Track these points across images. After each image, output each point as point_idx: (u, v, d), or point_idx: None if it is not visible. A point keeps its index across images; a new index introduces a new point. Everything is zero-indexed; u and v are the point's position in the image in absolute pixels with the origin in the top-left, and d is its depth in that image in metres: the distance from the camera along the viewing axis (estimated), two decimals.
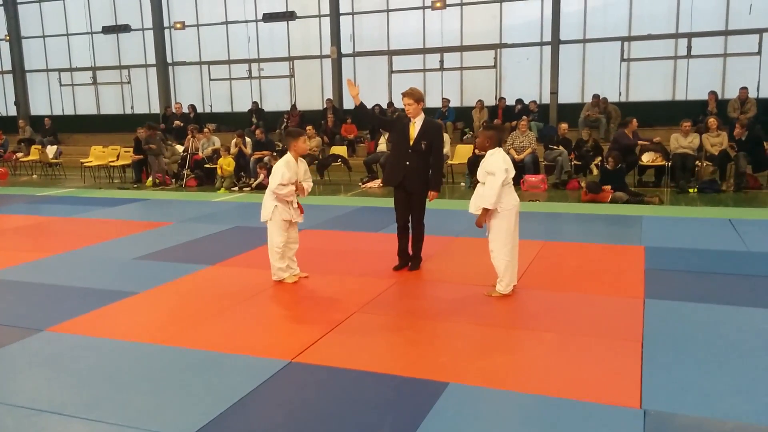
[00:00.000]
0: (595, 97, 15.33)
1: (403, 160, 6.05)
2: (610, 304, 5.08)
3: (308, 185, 5.97)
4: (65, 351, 4.38)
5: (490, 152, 5.28)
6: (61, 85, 22.23)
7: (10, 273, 6.43)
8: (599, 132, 14.51)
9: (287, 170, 5.74)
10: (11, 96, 22.83)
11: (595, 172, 12.01)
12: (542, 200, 10.61)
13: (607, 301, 5.17)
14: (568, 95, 16.76)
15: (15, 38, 22.23)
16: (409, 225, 6.24)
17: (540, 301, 5.21)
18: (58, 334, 4.67)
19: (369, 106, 17.15)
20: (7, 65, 22.66)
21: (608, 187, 10.32)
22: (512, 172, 5.29)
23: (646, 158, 11.89)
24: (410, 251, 6.30)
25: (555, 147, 12.47)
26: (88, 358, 4.24)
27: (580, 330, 4.53)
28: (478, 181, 5.44)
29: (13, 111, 22.64)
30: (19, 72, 22.51)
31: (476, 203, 5.30)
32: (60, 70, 22.12)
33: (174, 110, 18.62)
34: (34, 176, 16.38)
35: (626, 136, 11.80)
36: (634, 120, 12.09)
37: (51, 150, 16.89)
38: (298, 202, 5.93)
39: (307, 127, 14.49)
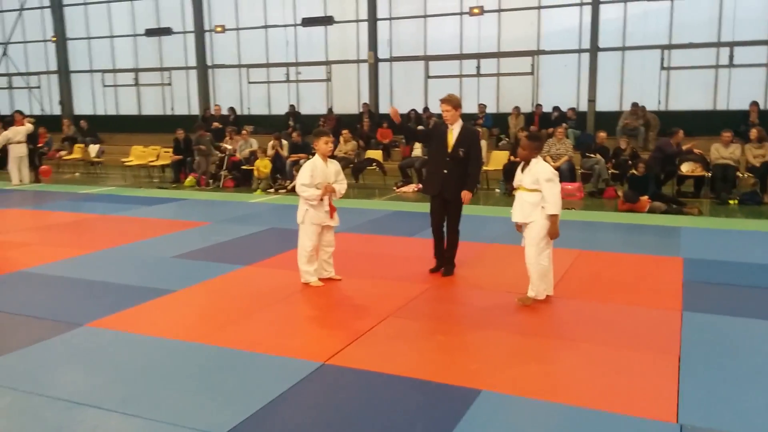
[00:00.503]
0: (634, 105, 15.12)
1: (441, 168, 6.09)
2: (646, 316, 5.00)
3: (341, 187, 5.97)
4: (104, 346, 4.49)
5: (535, 161, 5.24)
6: (104, 85, 22.78)
7: (52, 268, 6.61)
8: (638, 141, 14.30)
9: (313, 171, 5.76)
10: (56, 95, 23.47)
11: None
12: (578, 208, 10.49)
13: (644, 312, 5.09)
14: (606, 103, 16.56)
15: (61, 40, 22.87)
16: (444, 231, 6.27)
17: (575, 311, 5.16)
18: (97, 329, 4.79)
19: (404, 111, 17.25)
20: (53, 66, 23.31)
21: (646, 197, 10.17)
22: None
23: (686, 168, 11.68)
24: (444, 254, 6.34)
25: (592, 155, 12.34)
26: (126, 354, 4.35)
27: (616, 341, 4.48)
28: (512, 187, 5.40)
29: (57, 110, 23.27)
30: (64, 72, 23.15)
31: (524, 212, 5.20)
32: (103, 71, 22.68)
33: (213, 112, 18.92)
34: (77, 174, 16.79)
35: (671, 145, 11.61)
36: (681, 131, 11.87)
37: (93, 149, 17.31)
38: (330, 204, 5.91)
39: (343, 131, 14.60)
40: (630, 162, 12.16)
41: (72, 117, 21.92)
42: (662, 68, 16.05)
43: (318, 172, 5.79)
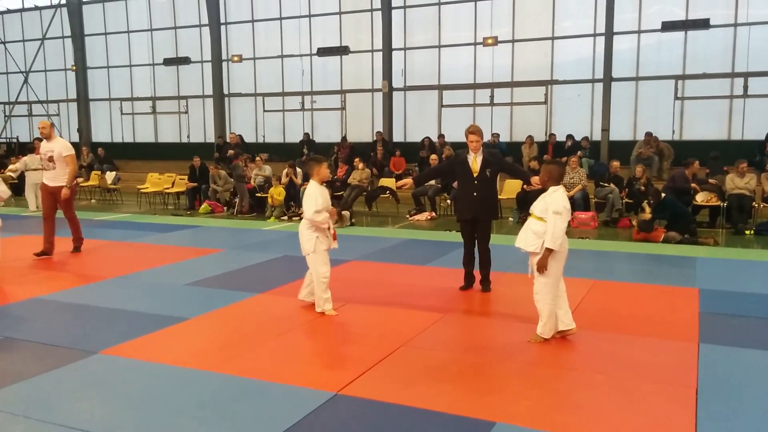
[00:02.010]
0: (648, 134, 15.11)
1: (470, 192, 6.47)
2: (662, 348, 4.94)
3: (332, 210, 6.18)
4: (118, 374, 4.50)
5: (552, 189, 5.04)
6: (122, 113, 23.18)
7: (67, 295, 6.66)
8: (651, 170, 14.26)
9: (320, 196, 5.83)
10: (75, 123, 23.86)
11: (648, 210, 11.77)
12: (592, 238, 10.44)
13: (660, 344, 5.03)
14: (619, 132, 16.59)
15: (81, 69, 23.33)
16: (475, 250, 6.66)
17: (590, 342, 5.11)
18: (111, 357, 4.80)
19: (419, 139, 17.38)
20: (73, 94, 23.76)
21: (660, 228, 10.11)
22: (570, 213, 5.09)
23: (701, 198, 11.61)
24: (477, 275, 6.69)
25: (606, 184, 12.31)
26: (140, 382, 4.35)
27: (631, 373, 4.42)
28: (527, 216, 5.32)
29: (76, 138, 23.62)
30: (83, 101, 23.57)
31: (527, 240, 5.07)
32: (122, 100, 23.08)
33: (228, 140, 19.11)
34: (93, 201, 16.98)
35: (685, 178, 11.55)
36: (697, 162, 11.84)
37: (110, 176, 17.53)
38: (333, 229, 6.03)
39: (356, 159, 14.69)
40: (644, 190, 12.11)
41: (90, 144, 22.26)
42: (676, 98, 16.08)
43: (324, 198, 5.91)
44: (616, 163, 12.87)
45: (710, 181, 11.83)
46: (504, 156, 16.05)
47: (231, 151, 17.83)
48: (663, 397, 4.02)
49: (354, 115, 19.72)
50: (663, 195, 10.65)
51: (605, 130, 16.60)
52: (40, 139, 16.38)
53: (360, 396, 4.05)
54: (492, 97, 17.93)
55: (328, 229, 5.89)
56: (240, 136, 19.40)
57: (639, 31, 16.25)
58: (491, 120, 17.84)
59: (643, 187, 11.97)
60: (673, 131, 16.16)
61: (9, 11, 24.57)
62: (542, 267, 4.94)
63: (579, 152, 14.69)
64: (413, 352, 4.89)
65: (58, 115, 24.31)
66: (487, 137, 16.71)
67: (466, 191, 6.58)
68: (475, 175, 6.43)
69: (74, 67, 23.39)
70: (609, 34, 16.30)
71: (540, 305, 5.07)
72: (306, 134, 19.22)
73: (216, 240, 10.27)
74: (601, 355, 4.82)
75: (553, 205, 4.91)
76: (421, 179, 7.32)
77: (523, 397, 4.04)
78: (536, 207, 5.10)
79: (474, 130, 6.44)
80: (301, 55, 20.05)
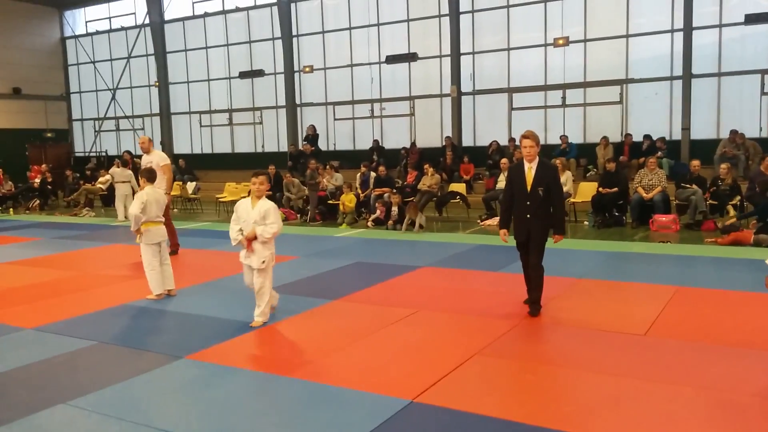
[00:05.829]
0: (733, 132, 14.43)
1: (524, 213, 5.99)
2: (752, 359, 4.71)
3: (262, 229, 5.97)
4: (202, 378, 4.68)
5: None
6: (201, 125, 24.06)
7: (153, 302, 6.98)
8: (738, 170, 13.60)
9: (236, 210, 6.09)
10: (158, 136, 24.95)
11: (732, 212, 11.24)
12: (674, 242, 10.06)
13: (749, 355, 4.80)
14: (701, 131, 15.92)
15: (163, 84, 24.41)
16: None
17: (674, 352, 4.92)
18: (196, 362, 5.00)
19: (487, 143, 17.17)
20: (156, 108, 24.89)
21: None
22: None
23: None
24: (529, 296, 6.17)
25: (687, 185, 11.83)
26: (222, 386, 4.50)
27: (719, 385, 4.23)
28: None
29: (159, 150, 24.68)
30: (165, 114, 24.65)
31: None
32: (201, 113, 23.98)
33: (302, 149, 19.50)
34: (175, 210, 17.65)
35: (763, 174, 10.98)
36: None
37: (190, 186, 18.23)
38: (249, 246, 6.07)
39: (426, 165, 14.70)
40: (729, 192, 11.55)
41: (172, 156, 23.19)
42: (763, 93, 15.27)
43: (241, 211, 6.08)
44: (695, 162, 12.31)
45: None
46: (578, 159, 15.87)
47: (306, 151, 18.11)
48: (757, 411, 3.83)
49: (423, 120, 19.74)
50: None
51: (686, 129, 15.97)
52: (129, 152, 17.35)
53: (436, 404, 4.05)
54: (564, 98, 17.57)
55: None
56: (312, 126, 19.94)
57: (720, 25, 15.55)
58: (563, 121, 17.48)
59: (728, 190, 11.43)
60: (761, 128, 15.35)
61: (98, 32, 26.06)
62: None
63: (659, 153, 14.18)
64: (488, 360, 4.85)
65: (142, 128, 25.48)
66: (558, 140, 16.41)
67: (519, 210, 6.06)
68: (528, 190, 5.93)
69: (157, 83, 24.51)
70: (688, 29, 15.66)
71: None
72: (375, 141, 19.39)
73: (291, 247, 10.48)
74: (687, 366, 4.63)
75: None
76: (505, 219, 6.36)
77: (602, 409, 3.94)
78: None
79: (528, 135, 5.92)
80: (370, 64, 20.26)
